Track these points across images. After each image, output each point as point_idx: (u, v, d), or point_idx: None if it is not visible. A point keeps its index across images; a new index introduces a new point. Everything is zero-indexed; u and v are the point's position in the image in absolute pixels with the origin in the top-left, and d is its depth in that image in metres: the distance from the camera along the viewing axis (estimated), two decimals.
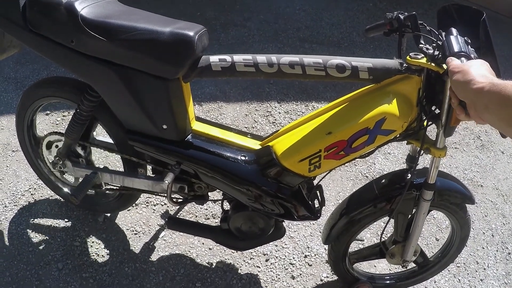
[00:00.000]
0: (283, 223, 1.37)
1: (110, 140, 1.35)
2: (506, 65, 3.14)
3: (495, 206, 2.04)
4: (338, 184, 1.98)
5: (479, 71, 0.66)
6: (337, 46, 3.01)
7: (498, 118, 0.58)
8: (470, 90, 0.63)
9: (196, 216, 1.71)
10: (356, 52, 2.99)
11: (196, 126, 1.21)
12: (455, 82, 0.68)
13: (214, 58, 1.02)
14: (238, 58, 1.00)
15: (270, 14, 3.21)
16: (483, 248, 1.82)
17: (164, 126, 1.12)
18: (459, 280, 1.67)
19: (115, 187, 1.43)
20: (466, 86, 0.64)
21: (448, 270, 1.68)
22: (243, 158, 1.15)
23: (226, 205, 1.37)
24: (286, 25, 3.12)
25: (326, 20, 3.29)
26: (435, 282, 1.63)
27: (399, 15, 1.01)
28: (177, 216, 1.65)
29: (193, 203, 1.58)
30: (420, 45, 0.96)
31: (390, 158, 2.19)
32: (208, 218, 1.72)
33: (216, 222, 1.70)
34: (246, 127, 2.22)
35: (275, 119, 2.30)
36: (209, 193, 1.36)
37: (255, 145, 1.19)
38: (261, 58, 0.99)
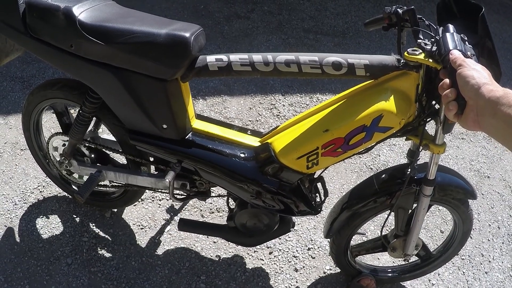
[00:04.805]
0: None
1: (114, 138, 1.37)
2: None
3: (502, 197, 2.02)
4: (342, 176, 1.98)
5: (485, 74, 0.63)
6: (342, 37, 2.96)
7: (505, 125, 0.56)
8: (481, 93, 0.59)
9: (201, 210, 1.74)
10: (362, 42, 2.94)
11: (196, 124, 1.22)
12: (464, 78, 0.63)
13: (210, 58, 1.02)
14: (234, 57, 1.01)
15: (274, 5, 3.18)
16: (489, 240, 1.81)
17: (164, 126, 1.13)
18: (464, 272, 1.66)
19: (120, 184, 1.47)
20: (478, 88, 0.60)
21: (453, 263, 1.68)
22: (242, 155, 1.16)
23: (232, 203, 1.39)
24: (290, 16, 3.08)
25: (330, 10, 3.24)
26: (439, 275, 1.63)
27: (397, 9, 1.00)
28: (187, 218, 1.68)
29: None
30: (419, 40, 0.95)
31: (395, 149, 2.18)
32: (213, 212, 1.74)
33: (220, 216, 1.73)
34: (250, 121, 2.22)
35: (279, 112, 2.29)
36: (214, 188, 1.37)
37: (255, 142, 1.20)
38: (257, 57, 0.99)
